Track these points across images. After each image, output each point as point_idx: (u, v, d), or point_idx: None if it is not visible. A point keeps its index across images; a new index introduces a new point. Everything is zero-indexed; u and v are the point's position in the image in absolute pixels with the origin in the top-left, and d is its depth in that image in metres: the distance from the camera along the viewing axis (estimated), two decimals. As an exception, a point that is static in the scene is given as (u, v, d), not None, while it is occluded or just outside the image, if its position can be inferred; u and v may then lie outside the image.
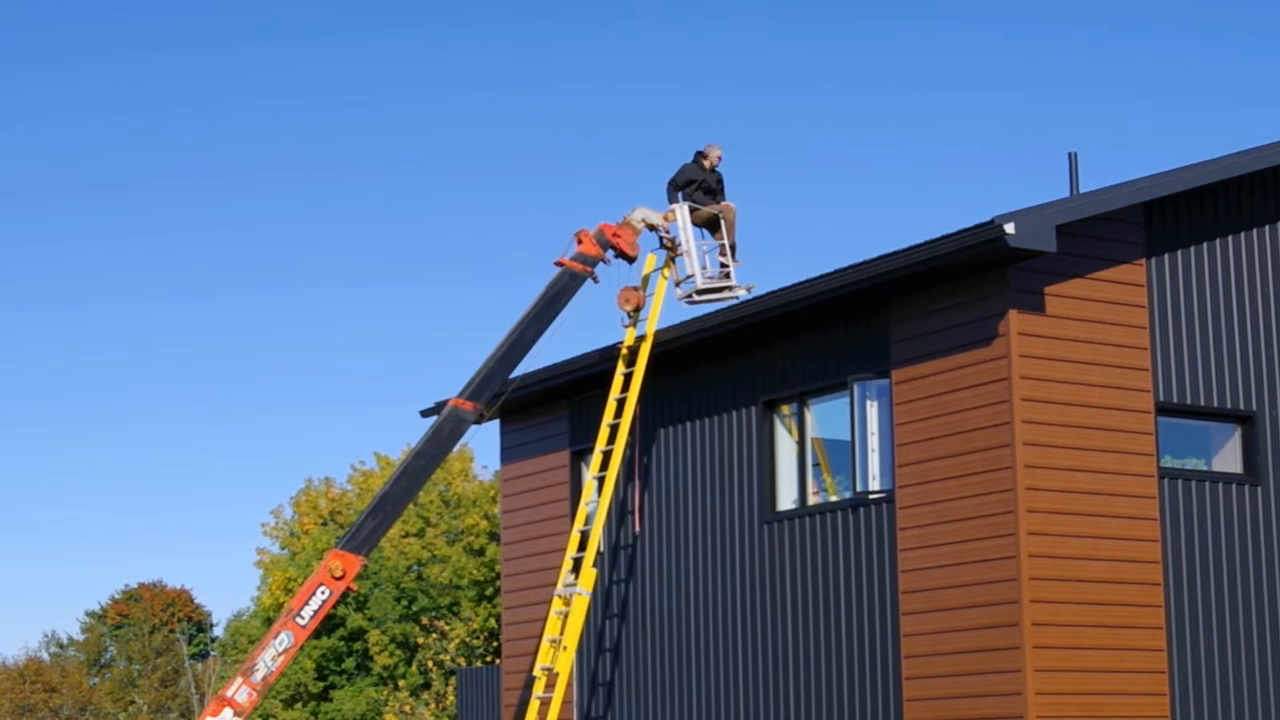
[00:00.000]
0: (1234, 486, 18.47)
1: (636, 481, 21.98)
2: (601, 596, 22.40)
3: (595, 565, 21.06)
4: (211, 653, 70.47)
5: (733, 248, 21.09)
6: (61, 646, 76.23)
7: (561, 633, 20.24)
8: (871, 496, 18.73)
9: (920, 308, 18.33)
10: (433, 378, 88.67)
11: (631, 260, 21.36)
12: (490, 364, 20.45)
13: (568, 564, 20.83)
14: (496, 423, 24.70)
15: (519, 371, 21.15)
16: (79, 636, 75.69)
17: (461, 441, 26.34)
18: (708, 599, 20.89)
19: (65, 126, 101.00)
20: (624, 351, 21.23)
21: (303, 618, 18.87)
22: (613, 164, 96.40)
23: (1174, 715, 17.62)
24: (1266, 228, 19.20)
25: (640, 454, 21.96)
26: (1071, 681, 17.09)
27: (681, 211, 21.13)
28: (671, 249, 21.34)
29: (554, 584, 21.78)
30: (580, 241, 21.16)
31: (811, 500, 19.87)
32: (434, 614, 51.02)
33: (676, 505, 21.51)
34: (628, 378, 21.04)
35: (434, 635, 49.02)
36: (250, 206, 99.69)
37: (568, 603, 20.34)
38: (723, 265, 21.04)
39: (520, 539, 24.13)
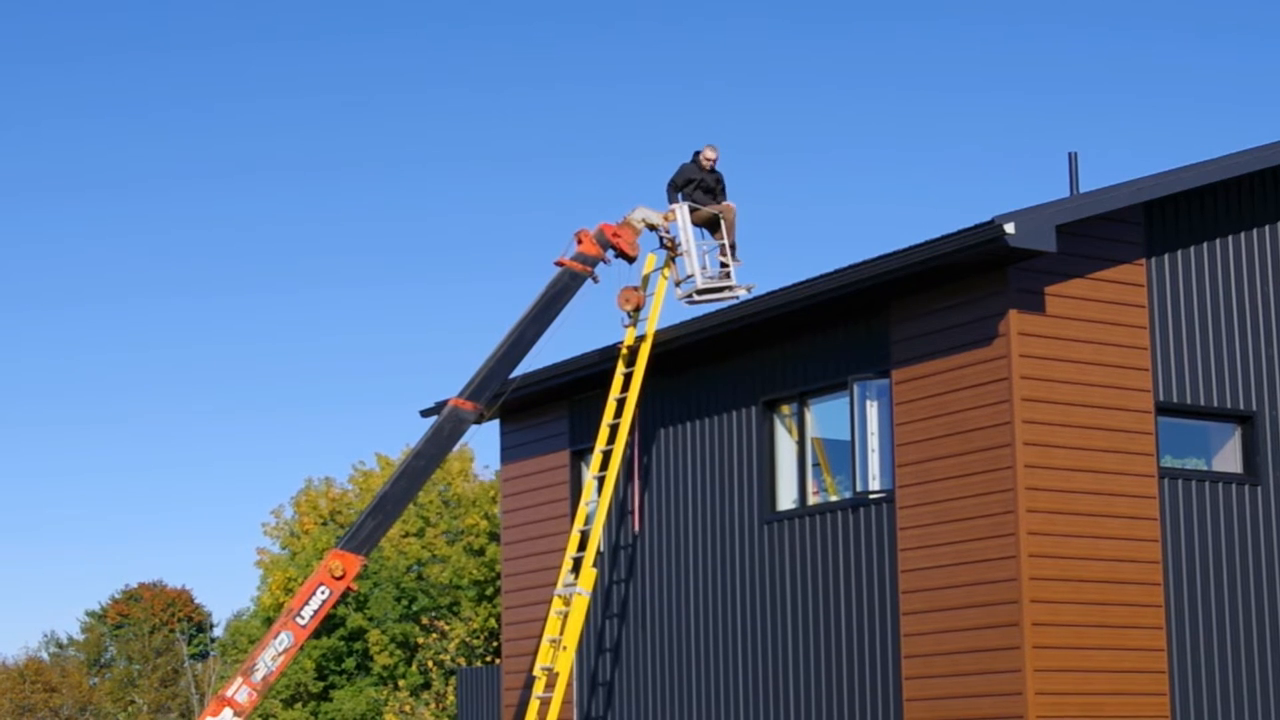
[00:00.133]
0: (1234, 486, 18.47)
1: (636, 481, 21.98)
2: (601, 596, 22.40)
3: (595, 565, 21.06)
4: (211, 653, 70.46)
5: (733, 247, 21.08)
6: (61, 646, 76.23)
7: (561, 633, 20.24)
8: (871, 496, 18.73)
9: (920, 308, 18.32)
10: (433, 378, 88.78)
11: (631, 260, 21.36)
12: (490, 364, 20.45)
13: (568, 564, 20.83)
14: (496, 423, 24.70)
15: (519, 371, 21.15)
16: (79, 636, 75.70)
17: (461, 441, 26.34)
18: (708, 599, 20.89)
19: (65, 126, 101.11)
20: (624, 351, 21.23)
21: (303, 618, 18.87)
22: (613, 164, 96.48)
23: (1174, 715, 17.62)
24: (1266, 228, 19.20)
25: (640, 454, 21.96)
26: (1071, 681, 17.09)
27: (681, 211, 21.13)
28: (671, 249, 21.34)
29: (554, 584, 21.78)
30: (580, 241, 21.16)
31: (811, 500, 19.87)
32: (434, 614, 51.02)
33: (676, 505, 21.52)
34: (628, 378, 21.04)
35: (434, 635, 49.01)
36: (250, 206, 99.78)
37: (568, 603, 20.34)
38: (723, 265, 21.04)
39: (520, 539, 24.13)
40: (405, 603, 51.94)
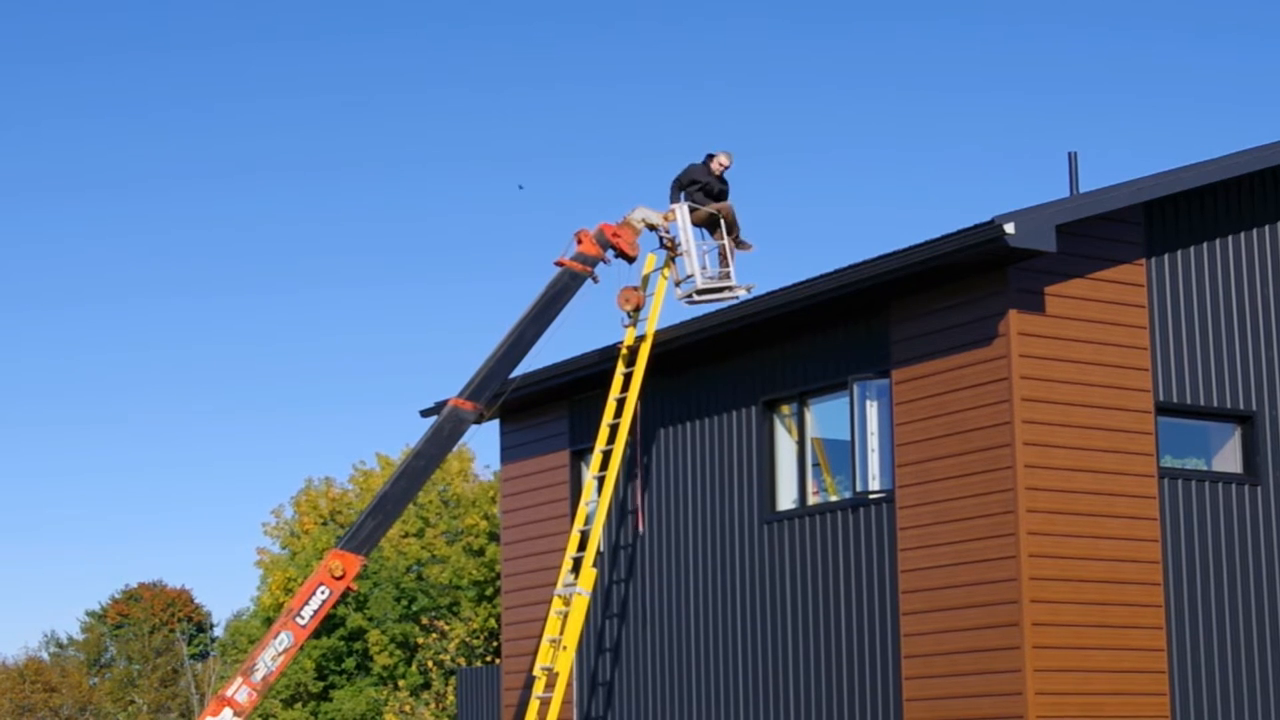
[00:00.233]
0: (1234, 486, 18.47)
1: (637, 481, 21.98)
2: (601, 596, 22.40)
3: (595, 565, 21.06)
4: (211, 653, 70.47)
5: (737, 242, 21.08)
6: (61, 646, 76.22)
7: (561, 633, 20.24)
8: (871, 496, 18.73)
9: (920, 308, 18.33)
10: (433, 378, 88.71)
11: (631, 260, 21.36)
12: (490, 364, 20.45)
13: (568, 564, 20.83)
14: (496, 423, 24.70)
15: (519, 371, 21.15)
16: (79, 636, 75.68)
17: (461, 441, 26.34)
18: (708, 599, 20.89)
19: (65, 126, 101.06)
20: (624, 351, 21.23)
21: (303, 618, 18.87)
22: (613, 164, 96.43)
23: (1174, 715, 17.62)
24: (1266, 228, 19.20)
25: (640, 454, 21.96)
26: (1071, 681, 17.09)
27: (681, 211, 21.13)
28: (671, 249, 21.34)
29: (554, 584, 21.78)
30: (580, 241, 21.17)
31: (811, 500, 19.87)
32: (434, 614, 51.02)
33: (676, 505, 21.52)
34: (628, 378, 21.04)
35: (434, 635, 49.01)
36: (250, 206, 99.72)
37: (567, 602, 20.35)
38: (722, 265, 21.04)
39: (520, 539, 24.13)
40: (405, 603, 51.94)
